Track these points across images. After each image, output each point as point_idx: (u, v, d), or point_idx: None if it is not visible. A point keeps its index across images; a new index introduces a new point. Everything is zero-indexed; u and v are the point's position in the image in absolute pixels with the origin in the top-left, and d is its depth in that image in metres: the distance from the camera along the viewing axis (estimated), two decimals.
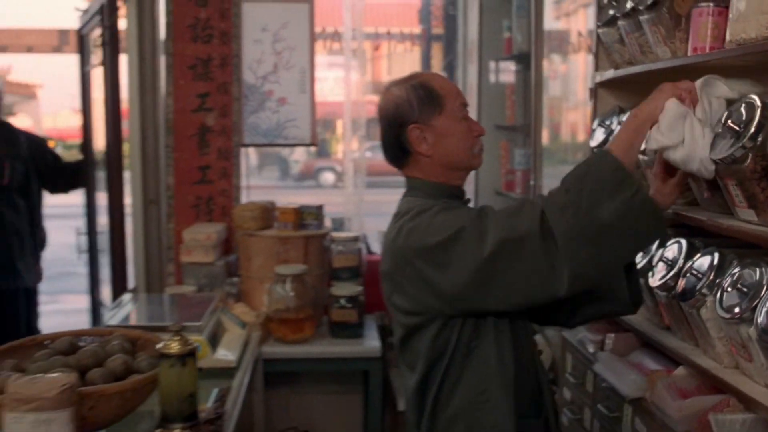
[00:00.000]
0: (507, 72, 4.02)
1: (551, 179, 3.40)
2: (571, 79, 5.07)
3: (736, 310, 1.54)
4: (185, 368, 1.69)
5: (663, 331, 1.96)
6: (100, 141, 3.86)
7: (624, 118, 2.17)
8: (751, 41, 1.53)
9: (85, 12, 3.83)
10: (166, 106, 3.30)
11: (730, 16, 1.62)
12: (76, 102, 4.21)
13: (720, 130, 1.57)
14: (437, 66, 5.23)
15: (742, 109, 1.54)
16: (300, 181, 17.93)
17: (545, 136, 3.46)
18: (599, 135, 2.28)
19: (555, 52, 4.65)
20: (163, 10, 3.30)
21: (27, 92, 27.17)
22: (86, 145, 3.92)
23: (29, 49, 23.69)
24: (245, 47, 3.36)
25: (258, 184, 3.42)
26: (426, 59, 5.14)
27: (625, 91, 2.32)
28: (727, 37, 1.62)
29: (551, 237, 1.44)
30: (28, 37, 23.02)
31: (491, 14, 4.00)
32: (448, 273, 1.53)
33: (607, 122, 2.26)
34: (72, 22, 4.04)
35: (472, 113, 4.01)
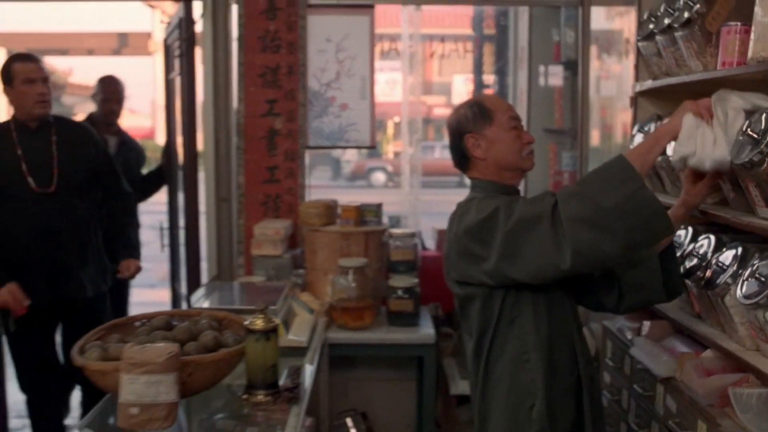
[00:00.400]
0: (555, 76, 4.21)
1: None
2: (623, 79, 5.21)
3: (755, 297, 1.75)
4: (269, 342, 1.96)
5: (694, 319, 2.16)
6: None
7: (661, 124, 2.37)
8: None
9: (169, 24, 4.14)
10: (238, 112, 3.58)
11: (752, 35, 1.82)
12: (134, 102, 4.54)
13: (741, 138, 1.78)
14: (488, 66, 5.44)
15: (762, 119, 1.74)
16: (352, 181, 18.24)
17: (596, 137, 3.63)
18: (638, 140, 2.48)
19: (607, 53, 4.82)
20: (235, 23, 3.58)
21: (87, 93, 28.00)
22: (169, 147, 4.25)
23: (90, 52, 24.44)
24: (310, 56, 3.62)
25: (310, 183, 3.66)
26: (478, 64, 5.36)
27: (662, 99, 2.51)
28: (749, 54, 1.82)
29: (559, 221, 1.71)
30: (89, 41, 23.75)
31: (540, 23, 4.20)
32: (486, 247, 1.82)
33: (646, 128, 2.46)
34: (130, 25, 4.40)
35: (522, 117, 4.24)
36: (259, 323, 1.95)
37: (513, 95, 4.54)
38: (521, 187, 4.10)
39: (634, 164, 1.71)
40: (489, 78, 5.39)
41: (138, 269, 3.36)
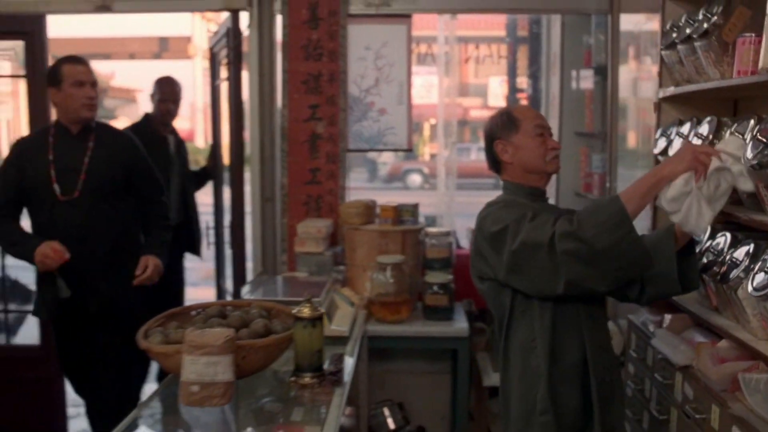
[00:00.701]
0: (586, 80, 4.33)
1: (626, 182, 3.72)
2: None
3: (765, 289, 1.89)
4: (315, 329, 2.14)
5: (711, 312, 2.30)
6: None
7: (683, 129, 2.51)
8: None
9: (215, 33, 4.36)
10: (282, 116, 3.78)
11: (762, 46, 1.96)
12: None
13: (752, 141, 1.92)
14: (522, 69, 5.57)
15: None
16: (388, 183, 18.41)
17: (633, 138, 3.74)
18: (661, 143, 2.62)
19: (645, 54, 4.92)
20: (280, 33, 3.78)
21: (128, 96, 28.60)
22: (215, 149, 4.48)
23: (131, 56, 24.93)
24: (350, 64, 3.80)
25: (348, 185, 3.84)
26: (512, 69, 5.51)
27: (684, 105, 2.65)
28: (759, 64, 1.96)
29: (556, 252, 1.91)
30: (131, 45, 24.22)
31: (572, 29, 4.33)
32: (497, 257, 2.05)
33: (668, 132, 2.60)
34: (171, 30, 4.64)
35: (554, 120, 4.38)
36: (306, 311, 2.14)
37: (546, 99, 4.68)
38: (553, 188, 4.28)
39: (627, 207, 1.89)
40: (523, 81, 5.53)
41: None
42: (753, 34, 2.10)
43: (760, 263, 1.95)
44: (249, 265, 4.03)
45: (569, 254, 1.90)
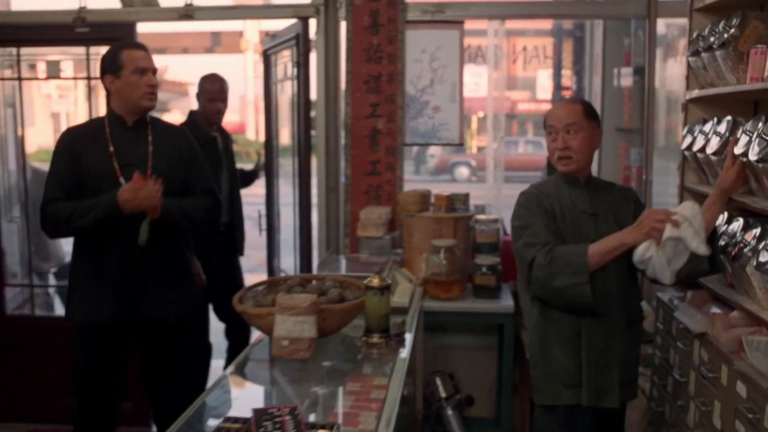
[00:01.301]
0: (626, 78, 4.65)
1: (661, 174, 4.05)
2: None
3: (767, 265, 2.22)
4: (383, 297, 2.53)
5: (727, 288, 2.63)
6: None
7: (705, 127, 2.84)
8: None
9: (274, 37, 4.76)
10: (345, 114, 4.18)
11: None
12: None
13: (757, 138, 2.25)
14: (567, 60, 5.86)
15: None
16: (435, 175, 18.74)
17: (680, 134, 4.05)
18: (687, 140, 2.95)
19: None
20: (344, 38, 4.17)
21: (180, 90, 29.37)
22: (269, 143, 4.86)
23: (185, 51, 25.61)
24: (408, 66, 4.18)
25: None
26: (558, 69, 5.82)
27: (708, 105, 2.97)
28: (765, 73, 2.29)
29: (530, 272, 2.55)
30: (184, 40, 24.89)
31: (613, 32, 4.66)
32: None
33: (693, 129, 2.92)
34: (223, 25, 4.95)
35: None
36: (375, 282, 2.53)
37: (588, 96, 5.00)
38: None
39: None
40: (567, 79, 5.85)
41: (151, 195, 2.87)
42: (765, 46, 2.43)
43: (764, 243, 2.28)
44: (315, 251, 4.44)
45: (536, 280, 2.54)
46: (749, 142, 2.33)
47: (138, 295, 2.97)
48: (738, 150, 2.41)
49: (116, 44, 3.03)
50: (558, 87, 5.80)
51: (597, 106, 4.79)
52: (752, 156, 2.23)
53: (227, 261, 4.36)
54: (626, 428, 3.45)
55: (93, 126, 3.03)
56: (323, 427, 1.75)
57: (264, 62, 5.02)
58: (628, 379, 2.69)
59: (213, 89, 4.21)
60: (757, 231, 2.39)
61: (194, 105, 4.38)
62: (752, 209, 2.37)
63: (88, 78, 4.46)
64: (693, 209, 2.40)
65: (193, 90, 4.45)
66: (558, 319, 2.63)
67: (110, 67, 2.95)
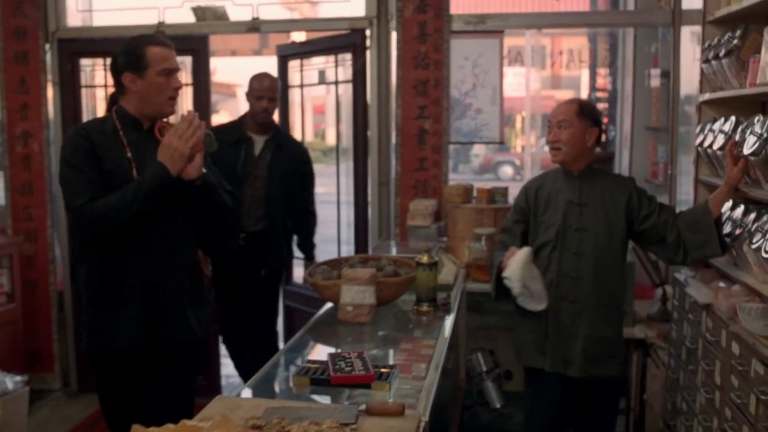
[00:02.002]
0: (654, 81, 5.02)
1: (685, 170, 4.42)
2: None
3: (758, 242, 2.62)
4: (431, 272, 2.98)
5: (731, 266, 3.02)
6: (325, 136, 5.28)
7: (715, 125, 3.23)
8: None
9: (304, 44, 5.18)
10: (396, 115, 4.63)
11: (760, 64, 2.68)
12: None
13: (756, 137, 2.65)
14: (602, 62, 6.22)
15: (763, 124, 2.60)
16: (479, 174, 19.07)
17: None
18: (700, 137, 3.34)
19: None
20: (394, 47, 4.63)
21: (228, 91, 30.09)
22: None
23: (233, 53, 26.30)
24: (452, 71, 4.61)
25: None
26: (593, 71, 6.20)
27: (719, 106, 3.35)
28: (758, 79, 2.68)
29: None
30: (233, 42, 25.57)
31: (643, 37, 5.03)
32: None
33: (705, 128, 3.31)
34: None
35: (627, 116, 5.06)
36: (425, 259, 2.97)
37: (620, 97, 5.38)
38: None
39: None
40: (603, 80, 6.21)
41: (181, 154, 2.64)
42: (759, 55, 2.81)
43: (756, 225, 2.68)
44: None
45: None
46: (758, 139, 2.73)
47: (160, 316, 2.75)
48: (746, 149, 2.81)
49: (139, 38, 2.73)
50: (593, 88, 6.18)
51: (628, 106, 5.17)
52: (746, 150, 2.63)
53: (257, 275, 4.23)
54: (648, 397, 3.87)
55: (105, 127, 2.71)
56: (384, 367, 2.20)
57: (280, 67, 5.22)
58: (595, 354, 3.10)
59: (259, 87, 4.11)
60: (754, 215, 2.78)
61: (242, 106, 4.42)
62: (751, 197, 2.76)
63: None
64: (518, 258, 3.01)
65: (241, 92, 4.51)
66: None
67: (133, 65, 2.64)
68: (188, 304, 2.83)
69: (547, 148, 3.28)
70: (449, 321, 2.99)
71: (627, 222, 3.09)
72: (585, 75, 18.46)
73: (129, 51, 2.67)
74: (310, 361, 2.28)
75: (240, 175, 4.03)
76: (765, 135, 2.57)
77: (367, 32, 4.67)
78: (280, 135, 4.29)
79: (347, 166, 5.04)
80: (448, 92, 4.61)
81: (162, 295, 2.75)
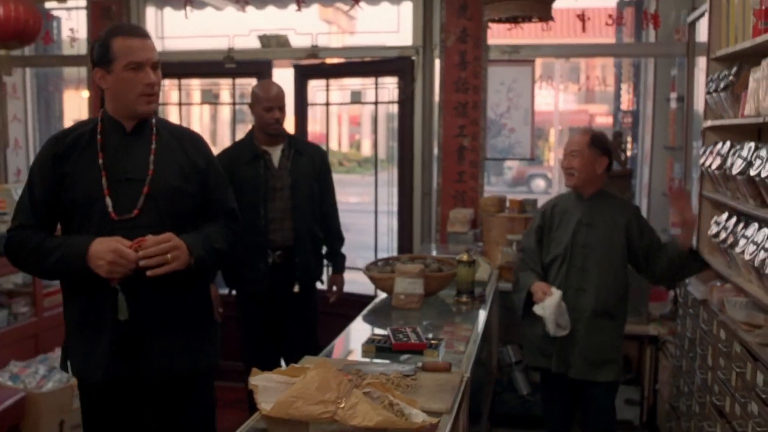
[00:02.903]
0: (671, 104, 5.54)
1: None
2: None
3: (740, 246, 3.15)
4: (470, 268, 3.55)
5: (726, 268, 3.54)
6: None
7: (716, 148, 3.76)
8: (753, 115, 3.14)
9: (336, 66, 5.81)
10: (438, 134, 5.21)
11: (747, 98, 3.21)
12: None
13: (742, 160, 3.18)
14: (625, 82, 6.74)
15: (750, 151, 3.14)
16: (512, 187, 19.54)
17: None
18: (703, 158, 3.87)
19: None
20: (438, 73, 5.21)
21: None
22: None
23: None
24: (489, 95, 5.18)
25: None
26: (617, 93, 6.73)
27: (721, 131, 3.86)
28: (745, 112, 3.22)
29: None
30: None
31: (662, 65, 5.56)
32: None
33: (708, 150, 3.84)
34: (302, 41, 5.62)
35: (648, 136, 5.57)
36: (464, 257, 3.54)
37: (642, 118, 5.91)
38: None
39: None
40: (627, 102, 6.73)
41: (174, 249, 2.35)
42: (747, 90, 3.35)
43: (743, 232, 3.21)
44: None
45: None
46: (743, 161, 3.26)
47: (139, 346, 2.42)
48: (735, 170, 3.33)
49: (108, 29, 2.43)
50: (618, 109, 6.71)
51: (649, 126, 5.70)
52: (734, 171, 3.16)
53: (290, 292, 4.00)
54: (659, 387, 4.40)
55: (83, 130, 2.44)
56: (434, 339, 2.77)
57: (297, 85, 5.57)
58: (595, 359, 3.44)
59: (268, 96, 3.85)
60: (742, 225, 3.32)
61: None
62: (739, 210, 3.30)
63: (233, 104, 5.62)
64: (553, 300, 3.39)
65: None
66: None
67: (100, 59, 2.36)
68: (177, 334, 2.48)
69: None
70: (484, 310, 3.56)
71: (627, 242, 3.45)
72: (625, 86, 18.87)
73: (99, 44, 2.38)
74: (374, 334, 2.86)
75: (264, 192, 3.88)
76: (749, 159, 3.10)
77: (414, 59, 5.26)
78: (296, 141, 4.06)
79: (384, 177, 5.60)
80: (485, 113, 5.18)
81: (139, 324, 2.40)
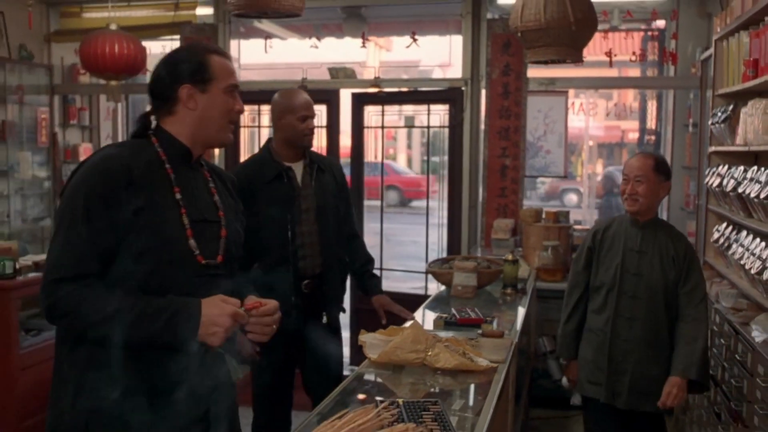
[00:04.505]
0: (687, 129, 6.31)
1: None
2: None
3: (733, 250, 3.94)
4: (514, 266, 4.36)
5: (725, 267, 4.31)
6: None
7: (718, 170, 4.54)
8: (742, 144, 3.94)
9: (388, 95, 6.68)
10: (484, 154, 6.04)
11: (739, 129, 4.00)
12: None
13: (734, 180, 3.97)
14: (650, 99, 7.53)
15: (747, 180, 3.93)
16: (545, 201, 20.20)
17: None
18: (708, 179, 4.66)
19: None
20: (483, 102, 6.05)
21: None
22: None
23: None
24: (528, 121, 6.00)
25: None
26: (643, 117, 7.51)
27: (724, 156, 4.65)
28: (738, 140, 4.01)
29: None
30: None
31: (681, 94, 6.35)
32: None
33: (712, 171, 4.63)
34: (346, 56, 6.50)
35: (668, 156, 6.34)
36: (510, 257, 4.36)
37: (663, 141, 6.69)
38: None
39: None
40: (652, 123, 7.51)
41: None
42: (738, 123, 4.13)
43: (735, 237, 4.00)
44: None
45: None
46: (735, 181, 4.05)
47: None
48: (729, 187, 4.11)
49: (194, 46, 2.21)
50: (643, 131, 7.49)
51: (669, 148, 6.47)
52: (728, 188, 3.95)
53: (317, 323, 3.63)
54: None
55: (145, 154, 2.02)
56: (488, 317, 3.60)
57: (355, 111, 6.38)
58: (642, 389, 3.36)
59: (301, 105, 3.44)
60: (736, 232, 4.11)
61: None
62: (732, 220, 4.09)
63: None
64: None
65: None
66: (593, 327, 3.54)
67: (194, 75, 2.06)
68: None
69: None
70: (525, 301, 4.38)
71: (682, 272, 3.36)
72: (650, 106, 19.48)
73: (192, 60, 2.08)
74: (440, 315, 3.69)
75: (292, 214, 3.43)
76: (739, 179, 3.89)
77: (463, 89, 6.11)
78: (316, 156, 3.65)
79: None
80: (525, 137, 5.99)
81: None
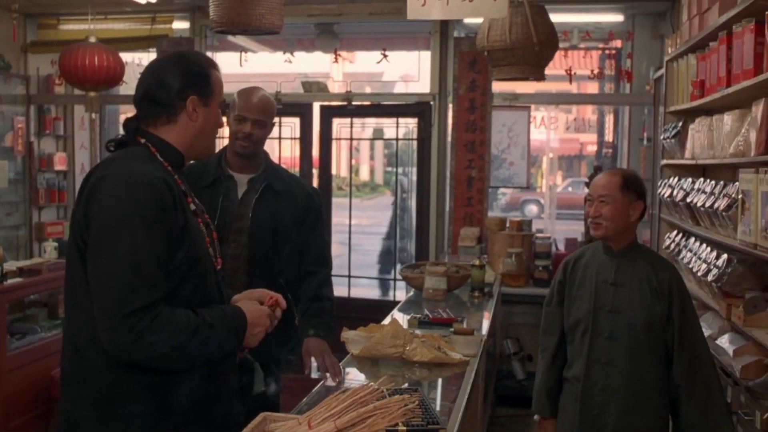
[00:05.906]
0: (642, 143, 6.69)
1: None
2: None
3: (683, 255, 4.27)
4: (482, 270, 4.64)
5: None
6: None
7: (669, 181, 4.88)
8: (690, 158, 4.28)
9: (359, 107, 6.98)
10: (451, 166, 6.34)
11: (687, 147, 4.35)
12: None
13: (683, 191, 4.32)
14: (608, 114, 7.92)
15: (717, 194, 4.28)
16: (506, 212, 20.66)
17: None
18: (659, 189, 5.00)
19: None
20: (450, 116, 6.35)
21: None
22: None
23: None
24: (493, 134, 6.32)
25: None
26: (602, 130, 7.88)
27: (673, 168, 5.00)
28: (686, 155, 4.35)
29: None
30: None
31: (636, 111, 6.72)
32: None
33: (663, 183, 4.97)
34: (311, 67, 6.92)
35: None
36: (477, 262, 4.65)
37: (619, 154, 7.06)
38: None
39: None
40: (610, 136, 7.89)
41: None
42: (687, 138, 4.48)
43: (684, 244, 4.33)
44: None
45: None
46: (684, 192, 4.39)
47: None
48: (678, 197, 4.44)
49: (198, 56, 2.18)
50: (601, 144, 7.87)
51: (625, 160, 6.84)
52: (678, 198, 4.29)
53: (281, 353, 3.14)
54: None
55: (159, 166, 2.00)
56: (458, 317, 3.87)
57: (323, 123, 6.67)
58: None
59: (245, 105, 2.93)
60: (685, 238, 4.44)
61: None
62: (683, 228, 4.43)
63: (279, 138, 6.74)
64: None
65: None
66: (568, 375, 3.06)
67: (199, 86, 2.03)
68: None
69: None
70: (492, 304, 4.67)
71: (668, 306, 2.85)
72: (607, 120, 20.06)
73: (198, 71, 2.04)
74: (414, 315, 3.96)
75: (218, 228, 2.53)
76: (687, 190, 4.23)
77: (431, 103, 6.41)
78: (273, 172, 3.09)
79: (380, 201, 6.73)
80: (490, 149, 6.30)
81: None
